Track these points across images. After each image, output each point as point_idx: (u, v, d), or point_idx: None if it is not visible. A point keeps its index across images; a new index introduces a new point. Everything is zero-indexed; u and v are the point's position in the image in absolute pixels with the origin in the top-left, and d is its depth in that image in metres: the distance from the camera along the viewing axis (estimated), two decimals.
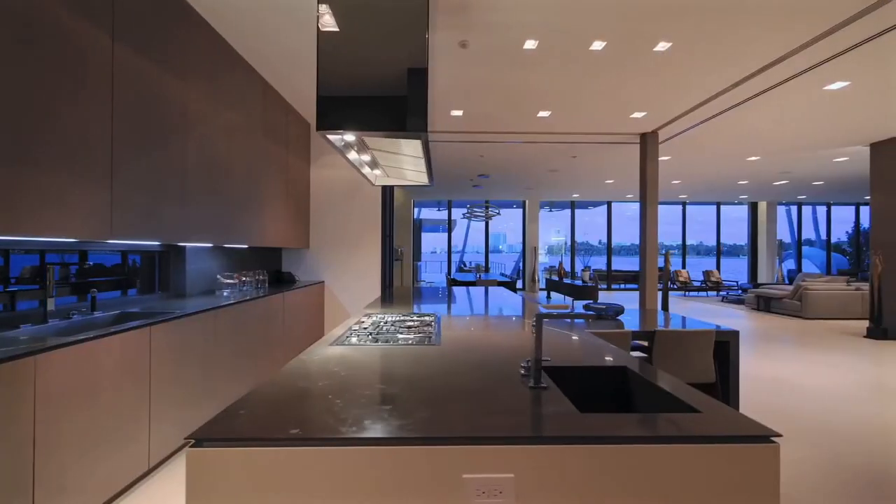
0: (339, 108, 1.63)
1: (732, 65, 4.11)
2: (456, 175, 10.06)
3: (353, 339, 1.93)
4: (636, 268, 6.40)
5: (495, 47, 3.76)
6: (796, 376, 4.65)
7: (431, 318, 2.54)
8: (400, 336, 2.02)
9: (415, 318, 2.54)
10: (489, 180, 10.72)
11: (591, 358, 1.65)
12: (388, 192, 6.38)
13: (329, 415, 1.05)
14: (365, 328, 2.22)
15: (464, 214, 12.97)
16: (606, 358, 1.64)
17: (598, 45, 3.72)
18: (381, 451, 0.91)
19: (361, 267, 6.15)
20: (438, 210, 16.35)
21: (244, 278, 4.41)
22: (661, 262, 14.91)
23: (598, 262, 16.15)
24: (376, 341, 1.89)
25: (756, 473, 0.92)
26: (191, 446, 0.91)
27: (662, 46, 3.73)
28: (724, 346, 3.21)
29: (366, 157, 2.31)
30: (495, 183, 11.25)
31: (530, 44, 3.70)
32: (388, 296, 3.91)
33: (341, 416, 1.05)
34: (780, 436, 0.95)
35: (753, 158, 8.16)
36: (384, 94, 1.63)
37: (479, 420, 1.03)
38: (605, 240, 15.55)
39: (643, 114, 5.53)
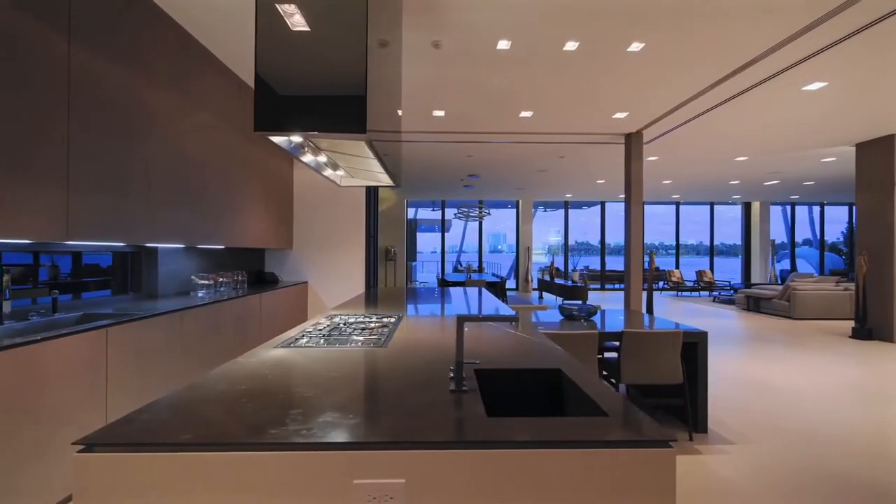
0: (278, 108, 1.62)
1: (707, 66, 4.10)
2: (446, 175, 10.05)
3: (303, 341, 1.92)
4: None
5: (468, 47, 3.75)
6: (775, 377, 4.64)
7: (392, 320, 2.53)
8: (353, 338, 2.01)
9: (375, 319, 2.53)
10: (480, 180, 10.72)
11: (533, 360, 1.64)
12: (372, 192, 6.39)
13: (233, 420, 1.05)
14: (320, 329, 2.21)
15: (455, 215, 12.97)
16: (547, 359, 1.63)
17: (571, 46, 3.71)
18: (272, 456, 0.91)
19: (345, 267, 6.15)
20: (433, 210, 16.35)
21: (221, 279, 4.40)
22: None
23: (597, 262, 16.15)
24: (325, 343, 1.88)
25: (650, 478, 0.92)
26: (78, 451, 0.90)
27: (636, 47, 3.72)
28: (694, 347, 3.21)
29: (322, 159, 2.30)
30: (487, 183, 11.25)
31: (503, 44, 3.69)
32: (366, 296, 3.90)
33: (245, 421, 1.04)
34: (675, 440, 0.94)
35: (741, 159, 8.16)
36: (324, 94, 1.62)
37: (384, 424, 1.02)
38: (611, 240, 15.57)
39: (625, 114, 5.52)
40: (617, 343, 3.39)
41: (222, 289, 4.41)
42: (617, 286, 15.65)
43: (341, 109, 1.63)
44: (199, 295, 3.94)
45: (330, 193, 6.07)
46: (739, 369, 4.93)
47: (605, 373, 3.29)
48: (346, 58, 1.63)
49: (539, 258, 16.79)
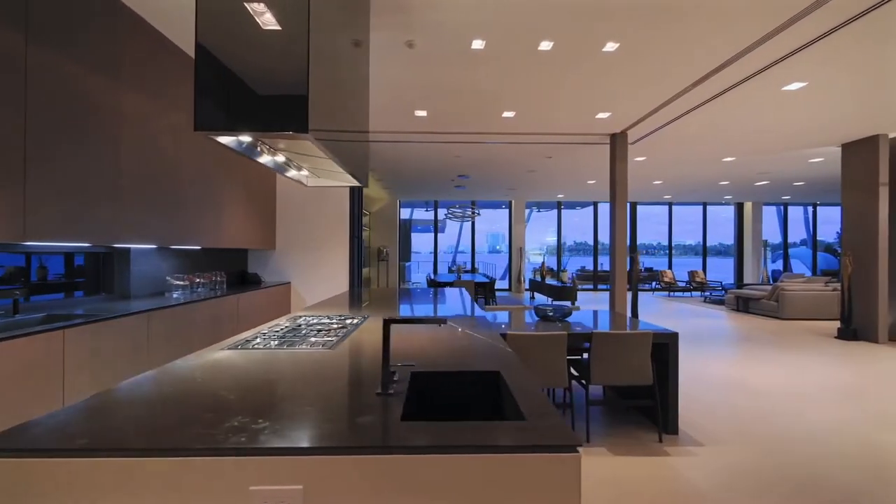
0: (219, 108, 1.60)
1: (684, 66, 4.09)
2: (436, 176, 10.03)
3: (254, 343, 1.91)
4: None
5: (442, 47, 3.74)
6: (756, 377, 4.63)
7: (356, 321, 2.51)
8: (307, 339, 1.99)
9: (337, 321, 2.52)
10: (470, 181, 10.71)
11: (478, 362, 1.62)
12: (356, 192, 6.36)
13: (139, 424, 1.03)
14: (278, 330, 2.20)
15: (446, 215, 12.96)
16: (492, 361, 1.62)
17: (546, 46, 3.70)
18: (165, 462, 0.89)
19: (329, 268, 6.12)
20: (426, 211, 16.33)
21: (198, 280, 4.38)
22: (647, 263, 14.89)
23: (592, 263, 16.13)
24: (277, 345, 1.86)
25: (551, 483, 0.90)
26: None
27: (610, 47, 3.71)
28: (667, 349, 3.19)
29: (280, 159, 2.29)
30: (478, 183, 11.24)
31: (478, 43, 3.67)
32: (341, 297, 3.88)
33: (152, 425, 1.02)
34: (581, 446, 0.93)
35: (729, 159, 8.16)
36: (266, 94, 1.61)
37: (292, 429, 1.00)
38: (603, 240, 15.60)
39: (608, 114, 5.51)
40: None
41: (199, 290, 4.39)
42: (607, 286, 15.62)
43: (283, 109, 1.61)
44: (175, 296, 3.92)
45: (314, 194, 6.05)
46: (720, 370, 4.92)
47: (576, 373, 3.27)
48: (290, 56, 1.61)
49: (538, 258, 16.75)
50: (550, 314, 3.71)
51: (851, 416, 3.54)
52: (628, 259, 6.52)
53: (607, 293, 14.74)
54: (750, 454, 2.86)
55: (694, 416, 3.48)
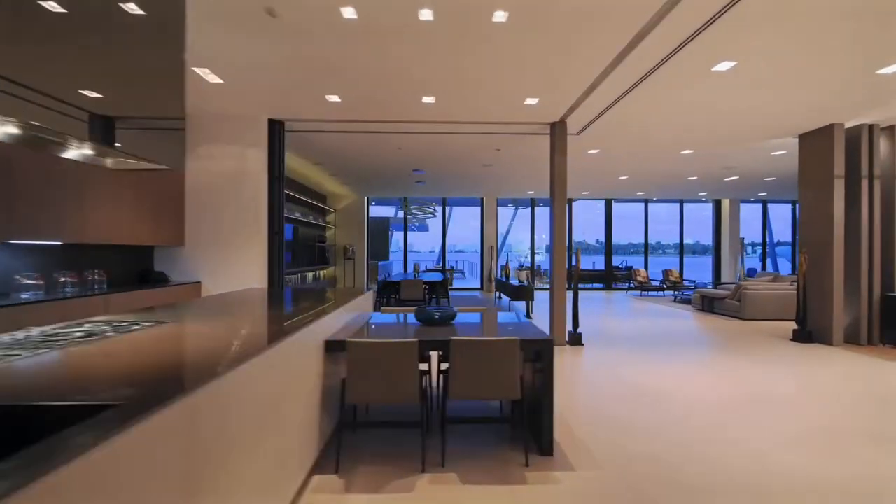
0: None
1: (592, 43, 3.68)
2: (389, 170, 9.60)
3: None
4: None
5: (310, 16, 3.32)
6: (681, 385, 4.22)
7: (148, 325, 2.11)
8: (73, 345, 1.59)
9: (124, 326, 2.11)
10: (427, 175, 10.28)
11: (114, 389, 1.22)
12: (275, 181, 5.90)
13: None
14: (36, 335, 1.79)
15: (404, 213, 12.57)
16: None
17: (426, 15, 3.29)
18: None
19: (245, 266, 5.70)
20: (407, 211, 15.92)
21: (63, 279, 3.96)
22: (635, 262, 14.50)
23: (590, 262, 15.72)
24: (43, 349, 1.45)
25: None
26: None
27: (500, 16, 3.30)
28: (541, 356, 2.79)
29: (12, 130, 1.88)
30: (439, 179, 10.81)
31: (349, 12, 3.26)
32: (213, 298, 3.47)
33: None
34: None
35: (687, 152, 7.76)
36: None
37: None
38: (601, 238, 15.27)
39: (535, 100, 5.10)
40: None
41: (67, 289, 3.97)
42: (589, 286, 15.25)
43: None
44: (23, 297, 3.50)
45: (226, 185, 5.63)
46: (647, 377, 4.51)
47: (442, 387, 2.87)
48: None
49: (538, 258, 16.38)
50: (435, 318, 3.30)
51: (763, 432, 3.14)
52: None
53: (583, 293, 14.33)
54: (620, 481, 2.44)
55: (585, 434, 3.06)
